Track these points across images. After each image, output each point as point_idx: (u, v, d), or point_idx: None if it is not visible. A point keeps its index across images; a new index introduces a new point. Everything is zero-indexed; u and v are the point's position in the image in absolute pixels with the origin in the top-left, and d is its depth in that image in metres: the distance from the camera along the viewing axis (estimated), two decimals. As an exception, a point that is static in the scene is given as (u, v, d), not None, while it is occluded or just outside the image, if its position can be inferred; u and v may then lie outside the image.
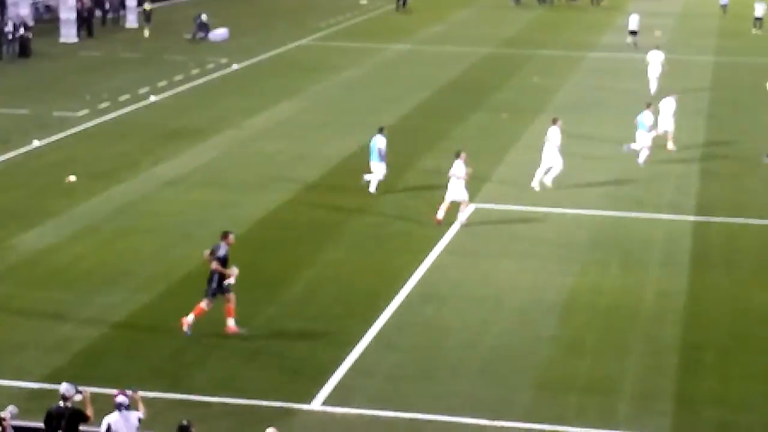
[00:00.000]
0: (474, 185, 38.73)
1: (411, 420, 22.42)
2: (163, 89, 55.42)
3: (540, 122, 49.42)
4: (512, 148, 44.54)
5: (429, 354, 25.54)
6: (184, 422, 18.30)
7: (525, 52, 68.67)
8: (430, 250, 32.37)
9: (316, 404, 22.99)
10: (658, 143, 42.91)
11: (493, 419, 22.36)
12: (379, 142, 37.69)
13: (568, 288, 29.66)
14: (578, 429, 22.12)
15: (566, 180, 39.68)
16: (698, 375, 24.66)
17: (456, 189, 34.44)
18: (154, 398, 22.06)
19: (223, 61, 63.49)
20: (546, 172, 38.57)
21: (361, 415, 22.60)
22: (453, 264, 31.50)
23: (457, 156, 34.90)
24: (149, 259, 31.51)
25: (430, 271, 30.86)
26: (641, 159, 41.46)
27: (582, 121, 49.49)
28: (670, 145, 44.00)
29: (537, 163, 40.10)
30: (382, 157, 37.63)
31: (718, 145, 45.34)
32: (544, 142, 38.74)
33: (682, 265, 31.50)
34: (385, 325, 27.10)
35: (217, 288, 26.05)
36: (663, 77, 55.38)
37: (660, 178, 40.19)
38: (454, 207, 34.47)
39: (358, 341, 25.98)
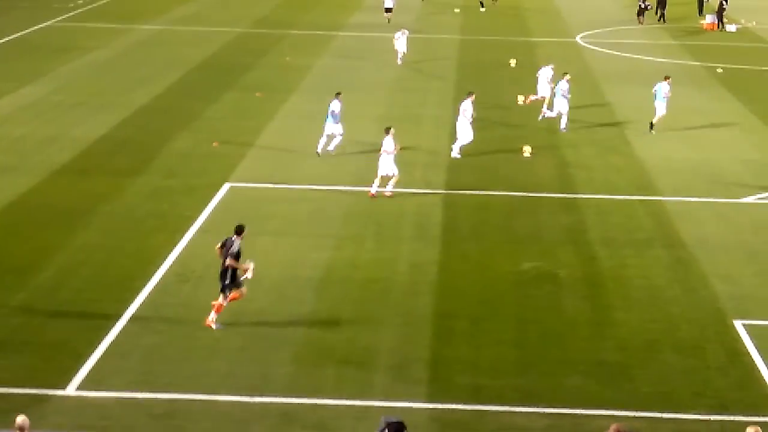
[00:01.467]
0: (229, 164, 38.93)
1: (169, 401, 22.28)
2: None
3: (293, 101, 49.88)
4: (266, 127, 44.65)
5: (187, 334, 25.43)
6: None
7: (277, 32, 68.81)
8: (186, 230, 32.23)
9: (71, 389, 22.59)
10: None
11: (253, 395, 22.48)
12: (333, 106, 40.31)
13: (323, 263, 29.97)
14: (336, 401, 22.39)
15: (321, 157, 40.12)
16: (451, 343, 25.30)
17: (386, 164, 35.69)
18: None
19: (-34, 43, 61.54)
20: (457, 143, 40.86)
21: (117, 398, 22.32)
22: (209, 243, 31.20)
23: (387, 132, 36.06)
24: None
25: (185, 250, 30.72)
26: (563, 125, 43.39)
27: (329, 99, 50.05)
28: (545, 110, 46.72)
29: (289, 143, 40.63)
30: (336, 119, 40.18)
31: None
32: (458, 116, 41.02)
33: (434, 237, 32.24)
34: (141, 306, 26.83)
35: (231, 283, 25.52)
36: (408, 54, 57.34)
37: (410, 154, 40.92)
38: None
39: (113, 324, 25.64)
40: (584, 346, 25.26)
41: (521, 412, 22.11)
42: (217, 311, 25.63)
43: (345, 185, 36.84)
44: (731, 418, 22.04)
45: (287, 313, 26.67)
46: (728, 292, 28.53)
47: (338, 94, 41.40)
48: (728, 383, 23.58)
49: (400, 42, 59.05)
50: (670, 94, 45.01)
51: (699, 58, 63.09)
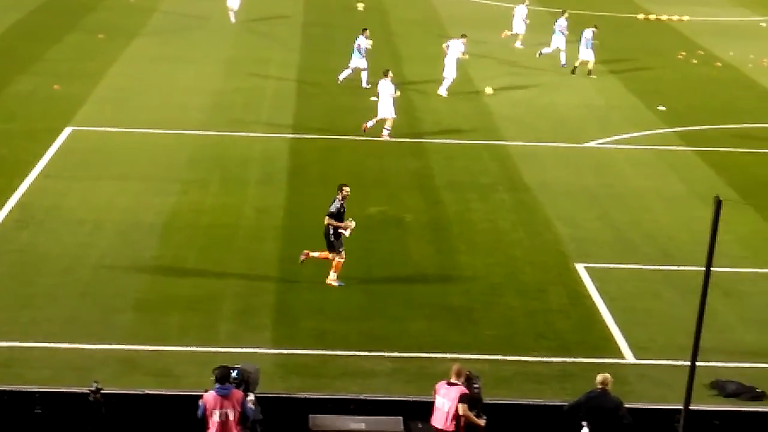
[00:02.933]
0: (71, 107, 38.11)
1: (8, 348, 21.82)
2: None
3: (138, 44, 48.95)
4: (110, 70, 43.77)
5: (26, 281, 24.86)
6: None
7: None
8: (26, 174, 31.44)
9: None
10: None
11: (95, 343, 22.11)
12: (359, 41, 42.19)
13: (168, 208, 29.57)
14: (180, 348, 22.19)
15: (166, 100, 39.57)
16: (296, 288, 25.19)
17: (385, 107, 36.05)
18: None
19: None
20: (451, 81, 42.32)
21: (-46, 347, 21.83)
22: (49, 188, 30.73)
23: (385, 75, 36.58)
24: None
25: (25, 196, 29.98)
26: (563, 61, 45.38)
27: (178, 42, 49.45)
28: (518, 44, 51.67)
29: (133, 87, 40.03)
30: (362, 54, 42.06)
31: (312, 65, 46.30)
32: (445, 55, 42.44)
33: (280, 181, 32.03)
34: (-22, 253, 26.19)
35: (336, 240, 25.02)
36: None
37: (257, 98, 40.63)
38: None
39: (-51, 271, 25.02)
40: (429, 290, 25.42)
41: (366, 356, 22.19)
42: (336, 270, 25.25)
43: (190, 129, 36.35)
44: (572, 359, 22.45)
45: (130, 259, 26.25)
46: (570, 234, 28.99)
47: (364, 30, 42.92)
48: (569, 325, 23.99)
49: None
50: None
51: (545, 3, 63.65)
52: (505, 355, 22.48)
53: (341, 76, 42.77)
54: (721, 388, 21.33)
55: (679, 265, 27.22)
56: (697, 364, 17.46)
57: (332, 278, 25.34)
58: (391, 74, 36.95)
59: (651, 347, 23.13)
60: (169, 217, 29.02)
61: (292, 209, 29.95)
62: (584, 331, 23.75)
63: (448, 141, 36.54)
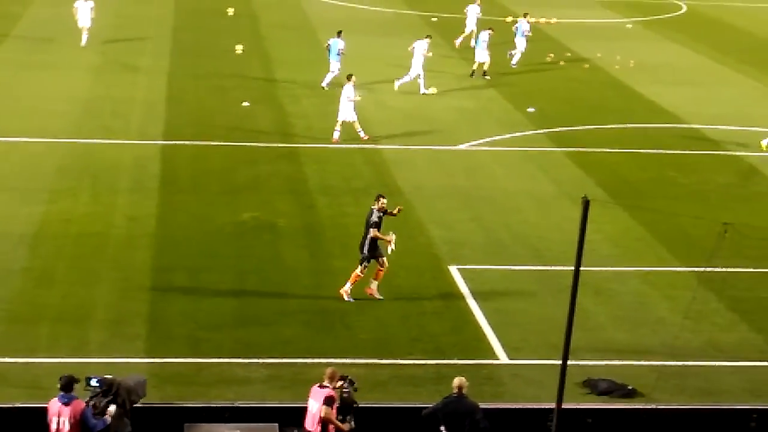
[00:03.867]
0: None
1: None
2: None
3: (3, 50, 48.08)
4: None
5: None
6: None
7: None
8: None
9: None
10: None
11: (-39, 357, 21.68)
12: (339, 44, 43.39)
13: (37, 218, 29.06)
14: (50, 359, 21.79)
15: (32, 108, 38.92)
16: (169, 296, 24.93)
17: (346, 110, 36.67)
18: None
19: None
20: (412, 79, 44.07)
21: None
22: None
23: (348, 79, 37.15)
24: None
25: None
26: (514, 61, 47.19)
27: (45, 49, 48.70)
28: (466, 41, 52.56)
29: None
30: (338, 56, 43.26)
31: (183, 70, 45.92)
32: (412, 54, 43.99)
33: (151, 189, 31.68)
34: None
35: (369, 254, 24.68)
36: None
37: (126, 105, 40.17)
38: None
39: None
40: (303, 295, 25.35)
41: (241, 363, 22.04)
42: (353, 281, 24.93)
43: (58, 137, 35.79)
44: (446, 361, 22.54)
45: (-2, 271, 25.77)
46: (444, 237, 29.16)
47: (339, 32, 44.28)
48: (444, 328, 24.10)
49: (83, 13, 49.51)
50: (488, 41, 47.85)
51: (413, 6, 64.07)
52: (380, 359, 22.51)
53: (325, 82, 43.48)
54: (594, 386, 21.64)
55: (550, 265, 27.56)
56: (569, 363, 17.66)
57: (346, 289, 25.11)
58: (354, 78, 37.21)
59: (524, 347, 23.36)
60: (38, 227, 28.51)
61: (164, 217, 29.65)
62: (458, 333, 23.90)
63: (320, 145, 36.53)
